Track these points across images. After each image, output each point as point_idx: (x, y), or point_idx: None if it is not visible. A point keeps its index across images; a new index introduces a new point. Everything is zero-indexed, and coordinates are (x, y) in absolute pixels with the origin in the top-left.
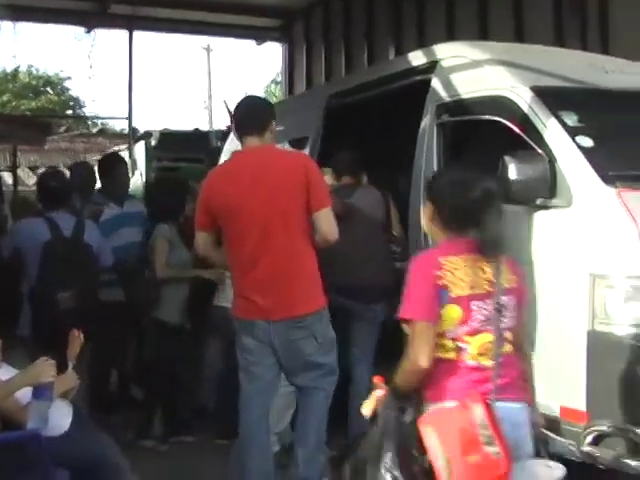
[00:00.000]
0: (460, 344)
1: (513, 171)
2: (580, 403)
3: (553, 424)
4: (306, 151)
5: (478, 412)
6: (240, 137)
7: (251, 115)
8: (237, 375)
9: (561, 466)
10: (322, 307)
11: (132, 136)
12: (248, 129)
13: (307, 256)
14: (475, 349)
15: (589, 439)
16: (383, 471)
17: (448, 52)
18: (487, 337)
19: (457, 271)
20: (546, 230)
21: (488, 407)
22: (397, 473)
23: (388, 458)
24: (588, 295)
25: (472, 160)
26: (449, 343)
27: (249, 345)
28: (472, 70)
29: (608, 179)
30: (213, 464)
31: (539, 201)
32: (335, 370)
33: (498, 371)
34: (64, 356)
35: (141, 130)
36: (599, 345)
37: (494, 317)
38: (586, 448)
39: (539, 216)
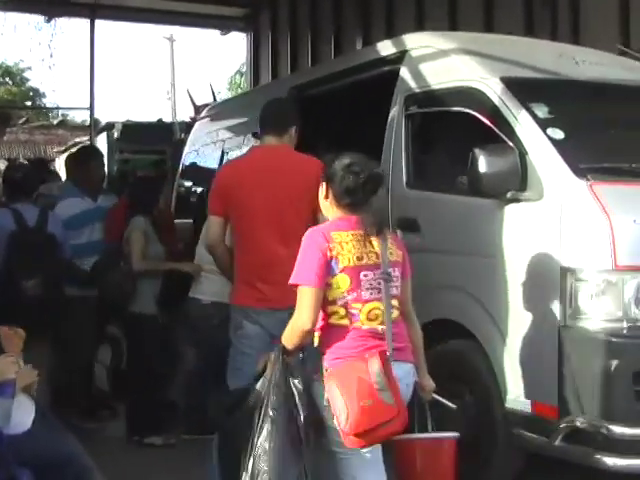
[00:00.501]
0: (351, 310)
1: (483, 164)
2: (552, 398)
3: (525, 420)
4: None
5: (375, 363)
6: (261, 134)
7: (276, 116)
8: (209, 370)
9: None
10: None
11: (94, 128)
12: (270, 129)
13: None
14: (364, 315)
15: (562, 435)
16: (269, 412)
17: (417, 42)
18: (376, 304)
19: (346, 244)
20: (517, 223)
21: (384, 360)
22: (276, 413)
23: (271, 402)
24: (560, 289)
25: (441, 152)
26: (341, 310)
27: (249, 331)
28: (441, 60)
29: (580, 172)
30: (185, 460)
31: (510, 194)
32: None
33: (391, 335)
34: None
35: (103, 122)
36: (571, 340)
37: (382, 286)
38: (559, 444)
39: (510, 209)
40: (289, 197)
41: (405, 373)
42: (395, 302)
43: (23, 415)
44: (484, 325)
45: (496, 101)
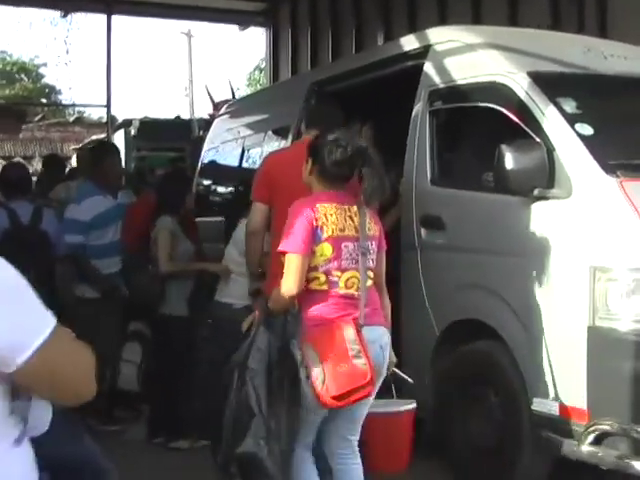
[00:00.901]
0: (331, 277)
1: (510, 161)
2: (581, 401)
3: (553, 422)
4: (288, 140)
5: (349, 331)
6: (307, 127)
7: (327, 113)
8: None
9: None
10: None
11: (111, 125)
12: (316, 126)
13: None
14: (343, 282)
15: (590, 439)
16: (248, 369)
17: (441, 36)
18: (353, 273)
19: (330, 216)
20: (544, 222)
21: (357, 328)
22: (254, 372)
23: (250, 360)
24: (589, 289)
25: (467, 149)
26: (322, 276)
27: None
28: (466, 55)
29: (609, 168)
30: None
31: (537, 192)
32: None
33: (365, 301)
34: None
35: (120, 119)
36: (600, 341)
37: (360, 258)
38: (587, 448)
39: (537, 207)
40: None
41: (378, 335)
42: (370, 273)
43: (41, 417)
44: (510, 325)
45: (523, 96)
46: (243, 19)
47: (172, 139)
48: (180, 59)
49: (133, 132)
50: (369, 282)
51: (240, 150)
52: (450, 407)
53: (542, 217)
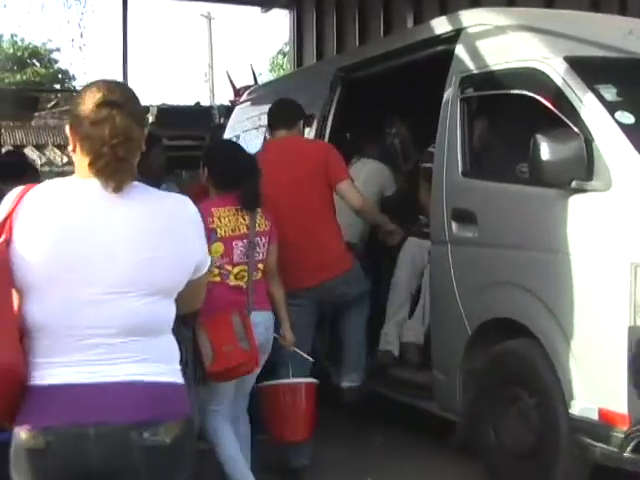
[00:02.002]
0: (223, 271)
1: (546, 151)
2: (621, 405)
3: (592, 428)
4: (313, 129)
5: (236, 318)
6: (272, 131)
7: (283, 112)
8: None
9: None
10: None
11: None
12: (280, 124)
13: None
14: (233, 275)
15: (632, 445)
16: None
17: (474, 19)
18: (242, 267)
19: (223, 218)
20: (582, 216)
21: (243, 314)
22: None
23: None
24: (629, 287)
25: (500, 138)
26: (216, 270)
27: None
28: (500, 39)
29: None
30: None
31: (574, 184)
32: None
33: (252, 290)
34: None
35: None
36: None
37: (249, 253)
38: (629, 455)
39: (574, 200)
40: (302, 181)
41: (264, 319)
42: (260, 265)
43: None
44: (546, 325)
45: (559, 83)
46: (266, 1)
47: (191, 126)
48: (200, 43)
49: (150, 119)
50: (259, 274)
51: (262, 139)
52: (483, 410)
53: (580, 211)
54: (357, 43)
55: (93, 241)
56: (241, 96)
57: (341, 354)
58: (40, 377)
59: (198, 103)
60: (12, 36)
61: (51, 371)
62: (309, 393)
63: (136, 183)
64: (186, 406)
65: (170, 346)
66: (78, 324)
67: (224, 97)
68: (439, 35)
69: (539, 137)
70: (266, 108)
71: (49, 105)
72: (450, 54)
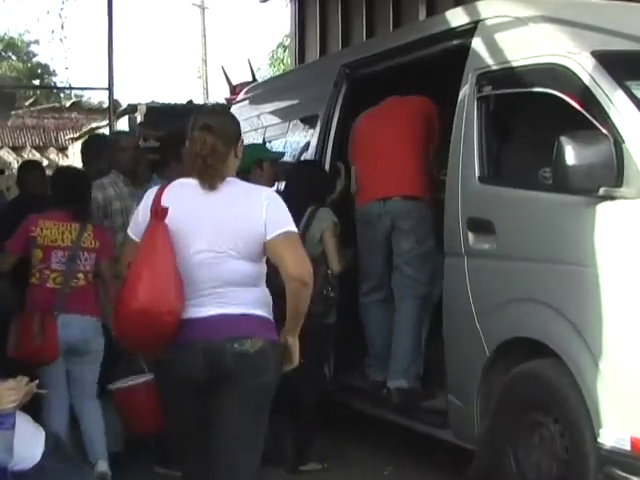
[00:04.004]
0: (43, 275)
1: (571, 155)
2: None
3: (623, 459)
4: (316, 131)
5: (37, 316)
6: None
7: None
8: None
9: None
10: None
11: (113, 111)
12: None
13: None
14: (52, 279)
15: None
16: None
17: (492, 10)
18: (60, 274)
19: (46, 229)
20: (611, 226)
21: (46, 314)
22: None
23: None
24: None
25: (521, 141)
26: (37, 274)
27: None
28: (521, 32)
29: None
30: None
31: (603, 190)
32: None
33: (68, 295)
34: None
35: (124, 103)
36: None
37: (68, 263)
38: None
39: (603, 208)
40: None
41: (78, 321)
42: (80, 275)
43: (30, 447)
44: (572, 344)
45: (586, 80)
46: None
47: (183, 127)
48: (192, 35)
49: (139, 119)
50: (81, 282)
51: (261, 141)
52: (503, 438)
53: (608, 220)
54: (364, 37)
55: (197, 222)
56: (238, 94)
57: (390, 350)
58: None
59: (191, 101)
60: None
61: (185, 309)
62: (149, 390)
63: (229, 179)
64: (268, 331)
65: (259, 294)
66: (195, 279)
67: (219, 95)
68: (454, 28)
69: (564, 139)
70: (266, 107)
71: (27, 103)
72: (466, 49)
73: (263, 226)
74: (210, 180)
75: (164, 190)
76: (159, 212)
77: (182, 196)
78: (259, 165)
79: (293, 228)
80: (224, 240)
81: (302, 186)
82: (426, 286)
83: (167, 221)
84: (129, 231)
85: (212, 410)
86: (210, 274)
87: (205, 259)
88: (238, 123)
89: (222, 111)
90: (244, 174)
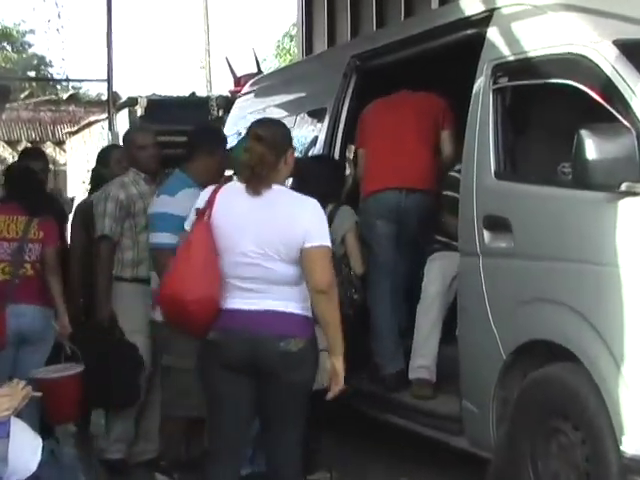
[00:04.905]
0: None
1: (592, 149)
2: None
3: None
4: (324, 125)
5: None
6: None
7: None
8: None
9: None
10: None
11: (113, 103)
12: None
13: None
14: (0, 270)
15: None
16: None
17: None
18: (7, 264)
19: None
20: (634, 222)
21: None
22: None
23: None
24: None
25: (539, 135)
26: None
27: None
28: (538, 20)
29: None
30: None
31: (625, 186)
32: None
33: (18, 285)
34: None
35: (124, 96)
36: None
37: (13, 253)
38: None
39: (625, 205)
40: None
41: (30, 311)
42: (28, 265)
43: (25, 456)
44: (592, 347)
45: (608, 71)
46: None
47: (186, 120)
48: (195, 25)
49: (139, 112)
50: (28, 272)
51: None
52: (520, 445)
53: (631, 217)
54: (374, 26)
55: (243, 224)
56: (243, 86)
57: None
58: (224, 304)
59: (194, 94)
60: None
61: (228, 301)
62: (73, 382)
63: (277, 186)
64: (309, 330)
65: (300, 293)
66: (239, 275)
67: (223, 87)
68: (468, 17)
69: (584, 133)
70: (272, 100)
71: (22, 95)
72: (481, 39)
73: (303, 234)
74: (256, 187)
75: (218, 191)
76: (201, 212)
77: (232, 199)
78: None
79: (328, 243)
80: (267, 243)
81: (319, 183)
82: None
83: (215, 221)
84: (186, 224)
85: (254, 397)
86: (254, 272)
87: (249, 259)
88: (289, 133)
89: (273, 122)
90: None
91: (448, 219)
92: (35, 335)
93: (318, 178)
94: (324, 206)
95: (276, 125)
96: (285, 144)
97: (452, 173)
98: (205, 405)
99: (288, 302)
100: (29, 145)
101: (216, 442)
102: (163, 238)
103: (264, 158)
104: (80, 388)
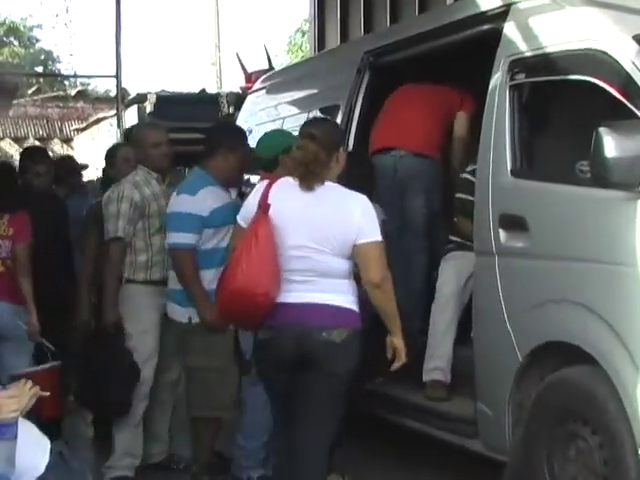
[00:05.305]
0: None
1: (611, 147)
2: None
3: None
4: (337, 121)
5: None
6: None
7: None
8: None
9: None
10: None
11: (121, 100)
12: None
13: None
14: None
15: None
16: None
17: None
18: None
19: None
20: None
21: None
22: None
23: None
24: None
25: (557, 132)
26: None
27: None
28: (556, 15)
29: None
30: None
31: None
32: None
33: None
34: None
35: (132, 92)
36: None
37: None
38: None
39: None
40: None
41: (1, 308)
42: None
43: (34, 459)
44: (611, 350)
45: (628, 66)
46: None
47: (196, 118)
48: (205, 20)
49: (148, 109)
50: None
51: None
52: (536, 449)
53: None
54: (388, 22)
55: (297, 219)
56: (254, 82)
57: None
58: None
59: (203, 90)
60: None
61: (282, 294)
62: (52, 375)
63: (329, 183)
64: (354, 321)
65: (348, 285)
66: (291, 269)
67: (234, 83)
68: (485, 12)
69: (603, 130)
70: (284, 97)
71: (30, 91)
72: (498, 34)
73: (356, 231)
74: (310, 183)
75: (271, 186)
76: (264, 206)
77: (285, 195)
78: (288, 154)
79: (379, 237)
80: (319, 238)
81: (350, 180)
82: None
83: (270, 215)
84: (239, 218)
85: (297, 387)
86: (305, 265)
87: (302, 252)
88: (341, 132)
89: (325, 121)
90: (271, 166)
91: (461, 221)
92: (9, 332)
93: (349, 174)
94: None
95: (328, 124)
96: (336, 143)
97: (464, 175)
98: (229, 405)
99: (335, 294)
100: (36, 142)
101: (287, 435)
102: (182, 238)
103: (317, 156)
104: (55, 384)
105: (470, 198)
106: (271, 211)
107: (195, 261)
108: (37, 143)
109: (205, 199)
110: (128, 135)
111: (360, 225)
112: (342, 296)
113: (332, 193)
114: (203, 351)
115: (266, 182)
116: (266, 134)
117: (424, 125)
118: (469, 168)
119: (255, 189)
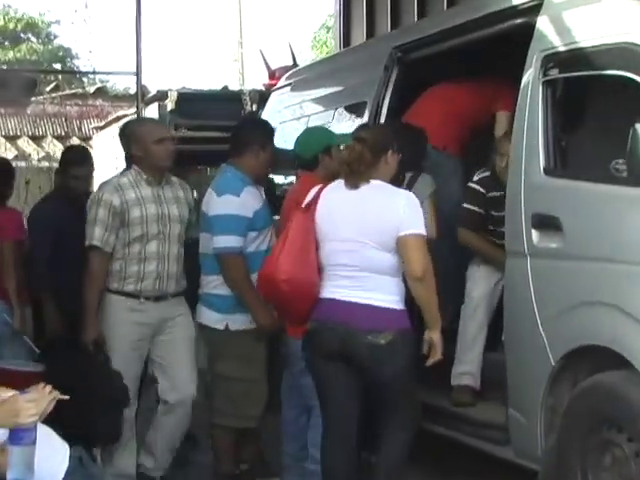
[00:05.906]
0: None
1: None
2: None
3: None
4: (364, 120)
5: None
6: None
7: None
8: None
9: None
10: None
11: (142, 98)
12: None
13: None
14: None
15: None
16: None
17: None
18: None
19: None
20: None
21: None
22: None
23: None
24: None
25: (591, 129)
26: None
27: None
28: (592, 8)
29: None
30: None
31: None
32: None
33: None
34: None
35: (153, 90)
36: None
37: None
38: None
39: None
40: None
41: None
42: None
43: (53, 464)
44: None
45: None
46: None
47: (218, 116)
48: (228, 16)
49: (170, 107)
50: None
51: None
52: (570, 457)
53: None
54: (415, 16)
55: (343, 215)
56: (278, 80)
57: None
58: (322, 293)
59: (226, 87)
60: (4, 6)
61: (326, 290)
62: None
63: (376, 182)
64: (400, 321)
65: (393, 284)
66: (338, 264)
67: (257, 81)
68: (517, 5)
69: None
70: (309, 94)
71: (48, 89)
72: (531, 28)
73: (398, 223)
74: (354, 181)
75: (322, 189)
76: (308, 206)
77: (333, 194)
78: (327, 153)
79: (423, 231)
80: (364, 231)
81: (400, 151)
82: None
83: (317, 212)
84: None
85: (355, 383)
86: (352, 260)
87: (348, 246)
88: (391, 136)
89: (377, 126)
90: (312, 165)
91: (461, 232)
92: None
93: (400, 145)
94: (404, 173)
95: (379, 127)
96: (384, 145)
97: (471, 184)
98: (256, 416)
99: (382, 294)
100: (55, 140)
101: (328, 427)
102: (232, 242)
103: (362, 156)
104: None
105: (476, 209)
106: (319, 209)
107: (246, 265)
108: (55, 141)
109: (248, 200)
110: (122, 132)
111: (403, 217)
112: (389, 296)
113: (378, 190)
114: (237, 360)
115: (318, 187)
116: (306, 132)
117: (443, 119)
118: (476, 177)
119: (309, 194)
